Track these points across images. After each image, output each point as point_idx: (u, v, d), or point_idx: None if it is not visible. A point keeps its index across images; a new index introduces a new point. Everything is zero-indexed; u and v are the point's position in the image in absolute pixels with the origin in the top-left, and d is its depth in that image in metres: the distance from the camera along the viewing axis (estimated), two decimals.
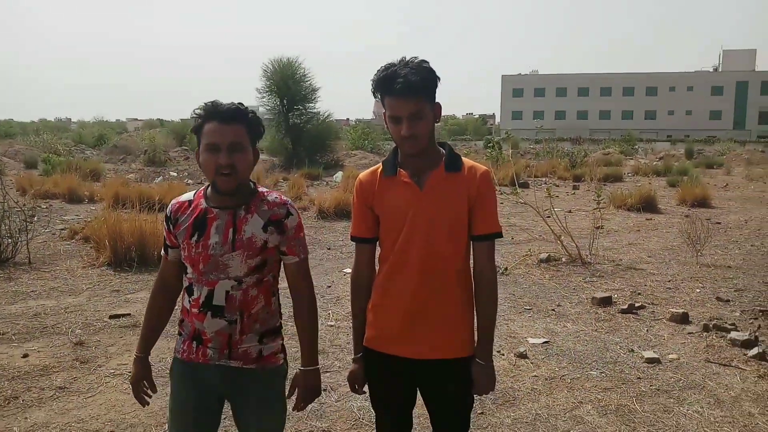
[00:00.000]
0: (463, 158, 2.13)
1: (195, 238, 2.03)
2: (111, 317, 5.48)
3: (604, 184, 17.28)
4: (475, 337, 2.15)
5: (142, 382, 2.23)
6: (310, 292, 2.18)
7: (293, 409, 2.23)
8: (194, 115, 2.01)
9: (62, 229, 9.87)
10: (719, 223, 11.08)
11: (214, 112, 1.96)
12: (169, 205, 2.14)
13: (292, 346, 2.26)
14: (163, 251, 2.20)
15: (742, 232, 10.19)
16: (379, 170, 2.16)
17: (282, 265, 2.15)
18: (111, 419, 3.61)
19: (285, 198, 2.11)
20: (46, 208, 12.38)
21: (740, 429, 3.50)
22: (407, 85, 1.93)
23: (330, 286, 6.61)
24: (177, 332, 2.18)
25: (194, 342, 2.08)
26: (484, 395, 3.59)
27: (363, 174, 2.21)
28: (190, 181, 18.08)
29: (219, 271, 2.01)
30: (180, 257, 2.12)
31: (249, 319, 2.06)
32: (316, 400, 3.84)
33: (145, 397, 2.25)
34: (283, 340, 2.22)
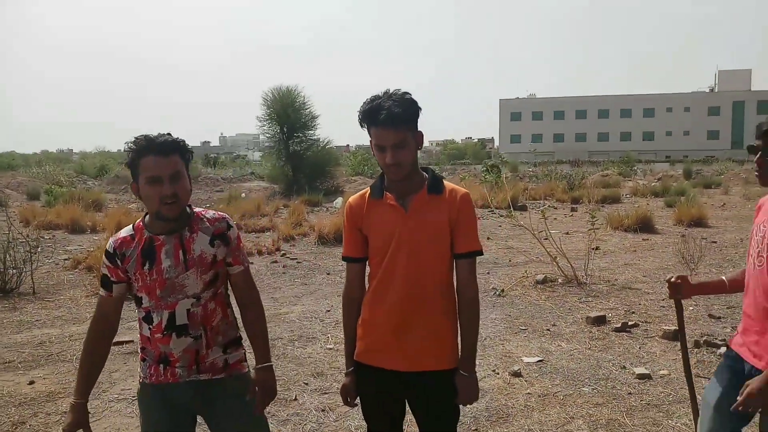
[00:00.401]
0: (444, 182, 2.28)
1: (147, 266, 2.13)
2: (114, 344, 5.57)
3: (602, 206, 17.43)
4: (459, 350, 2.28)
5: (79, 430, 2.15)
6: (257, 298, 2.34)
7: (254, 413, 2.26)
8: (128, 149, 2.10)
9: (65, 259, 10.01)
10: (715, 242, 11.20)
11: (149, 146, 2.07)
12: (110, 243, 2.20)
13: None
14: (103, 291, 2.22)
15: (737, 251, 10.29)
16: (367, 194, 2.31)
17: (228, 278, 2.28)
18: None
19: (222, 213, 2.28)
20: (50, 238, 12.53)
21: None
22: (390, 117, 2.09)
23: (329, 311, 6.70)
24: (140, 359, 2.26)
25: (161, 365, 2.18)
26: (475, 410, 3.69)
27: (352, 198, 2.36)
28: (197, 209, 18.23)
29: (177, 293, 2.14)
30: (124, 292, 2.21)
31: (212, 332, 2.19)
32: (316, 419, 3.96)
33: None
34: (244, 350, 2.34)
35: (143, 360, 2.24)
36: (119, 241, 2.19)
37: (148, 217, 2.20)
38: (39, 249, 9.96)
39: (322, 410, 4.08)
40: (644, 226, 12.90)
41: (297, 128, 26.13)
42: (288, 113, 25.55)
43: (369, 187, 2.32)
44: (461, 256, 2.24)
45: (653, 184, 26.05)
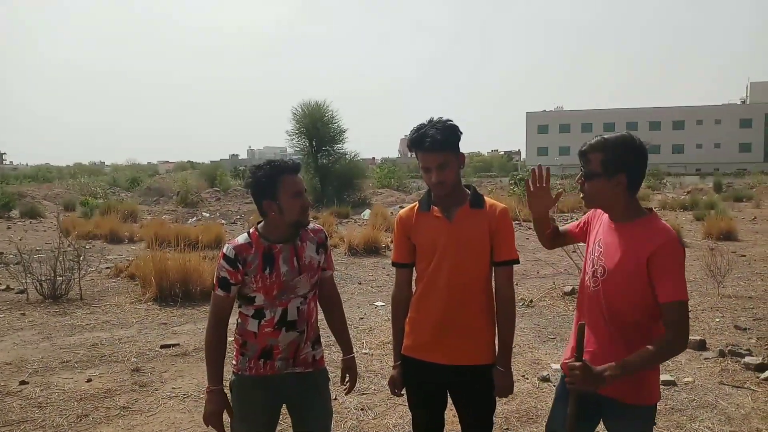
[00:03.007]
0: (485, 197, 2.54)
1: (267, 270, 2.42)
2: (162, 347, 5.92)
3: None
4: (496, 348, 2.53)
5: (223, 412, 2.44)
6: (340, 298, 2.80)
7: (346, 394, 2.73)
8: (263, 172, 2.38)
9: (107, 268, 10.43)
10: (744, 255, 11.23)
11: (290, 167, 2.42)
12: (230, 249, 2.40)
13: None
14: (221, 291, 2.42)
15: (766, 264, 10.33)
16: (416, 207, 2.60)
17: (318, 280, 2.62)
18: None
19: (319, 225, 2.67)
20: (90, 248, 13.01)
21: None
22: (433, 143, 2.38)
23: (362, 318, 6.98)
24: (238, 353, 2.50)
25: (261, 359, 2.46)
26: (507, 411, 3.93)
27: (403, 210, 2.67)
28: (223, 221, 18.73)
29: (290, 293, 2.45)
30: (237, 292, 2.45)
31: (310, 328, 2.53)
32: (356, 417, 4.25)
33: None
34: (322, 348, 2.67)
35: (242, 354, 2.48)
36: (239, 247, 2.41)
37: (262, 227, 2.48)
38: (82, 258, 10.42)
39: (361, 409, 4.34)
40: None
41: (325, 142, 26.67)
42: (317, 127, 26.11)
43: (418, 201, 2.62)
44: (500, 264, 2.50)
45: (682, 197, 25.93)
